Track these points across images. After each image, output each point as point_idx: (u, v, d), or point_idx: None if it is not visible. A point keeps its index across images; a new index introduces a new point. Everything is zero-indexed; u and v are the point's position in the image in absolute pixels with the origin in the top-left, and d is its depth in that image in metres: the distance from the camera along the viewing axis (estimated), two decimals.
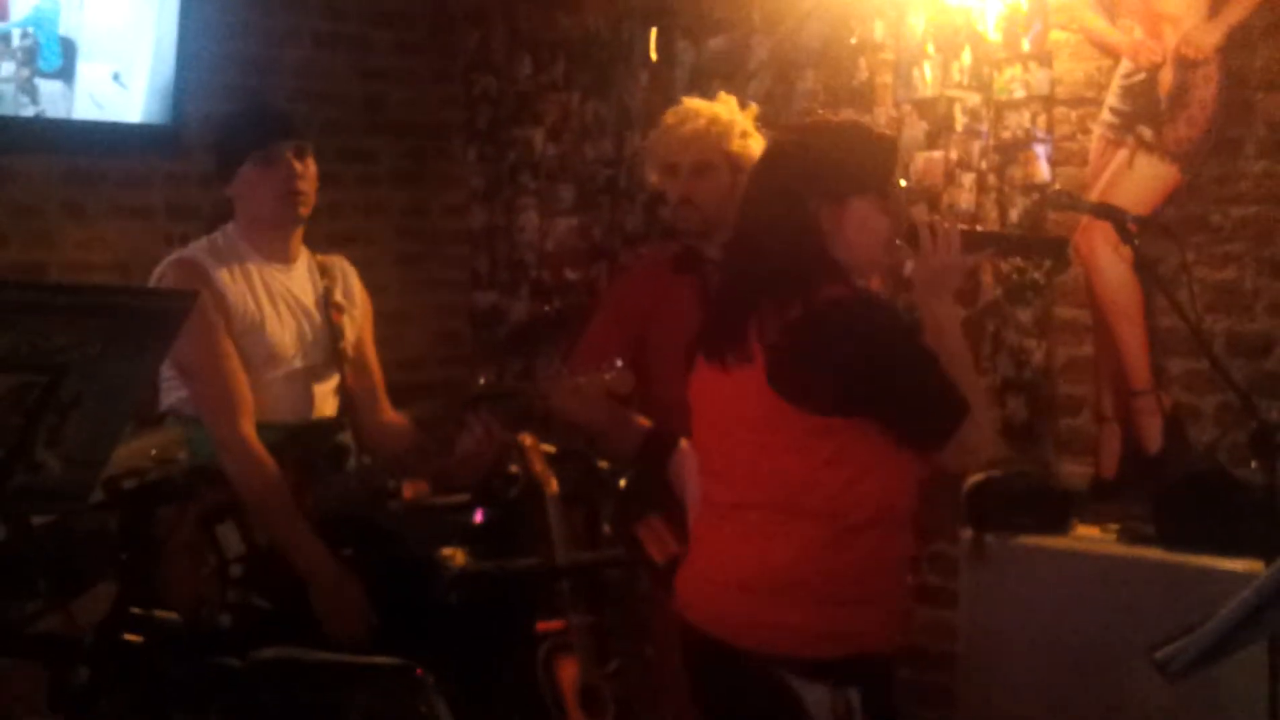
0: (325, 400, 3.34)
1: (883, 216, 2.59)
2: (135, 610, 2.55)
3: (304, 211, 3.30)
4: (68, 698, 2.71)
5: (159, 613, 2.62)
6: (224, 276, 3.23)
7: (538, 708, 3.91)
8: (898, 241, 2.64)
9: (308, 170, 3.28)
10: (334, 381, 3.36)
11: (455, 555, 4.10)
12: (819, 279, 2.54)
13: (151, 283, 3.29)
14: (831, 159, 2.60)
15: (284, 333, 3.27)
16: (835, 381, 2.51)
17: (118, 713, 2.65)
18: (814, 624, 2.54)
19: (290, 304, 3.31)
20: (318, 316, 3.34)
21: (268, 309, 3.26)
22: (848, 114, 4.68)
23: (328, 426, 3.32)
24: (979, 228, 2.69)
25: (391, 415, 3.50)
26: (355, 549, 3.34)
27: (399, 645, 3.05)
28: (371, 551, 3.40)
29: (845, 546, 2.55)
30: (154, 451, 2.89)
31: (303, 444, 3.24)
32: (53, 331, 2.01)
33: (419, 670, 2.93)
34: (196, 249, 3.31)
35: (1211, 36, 3.99)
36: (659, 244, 3.59)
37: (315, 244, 3.50)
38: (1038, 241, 2.81)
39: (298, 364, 3.29)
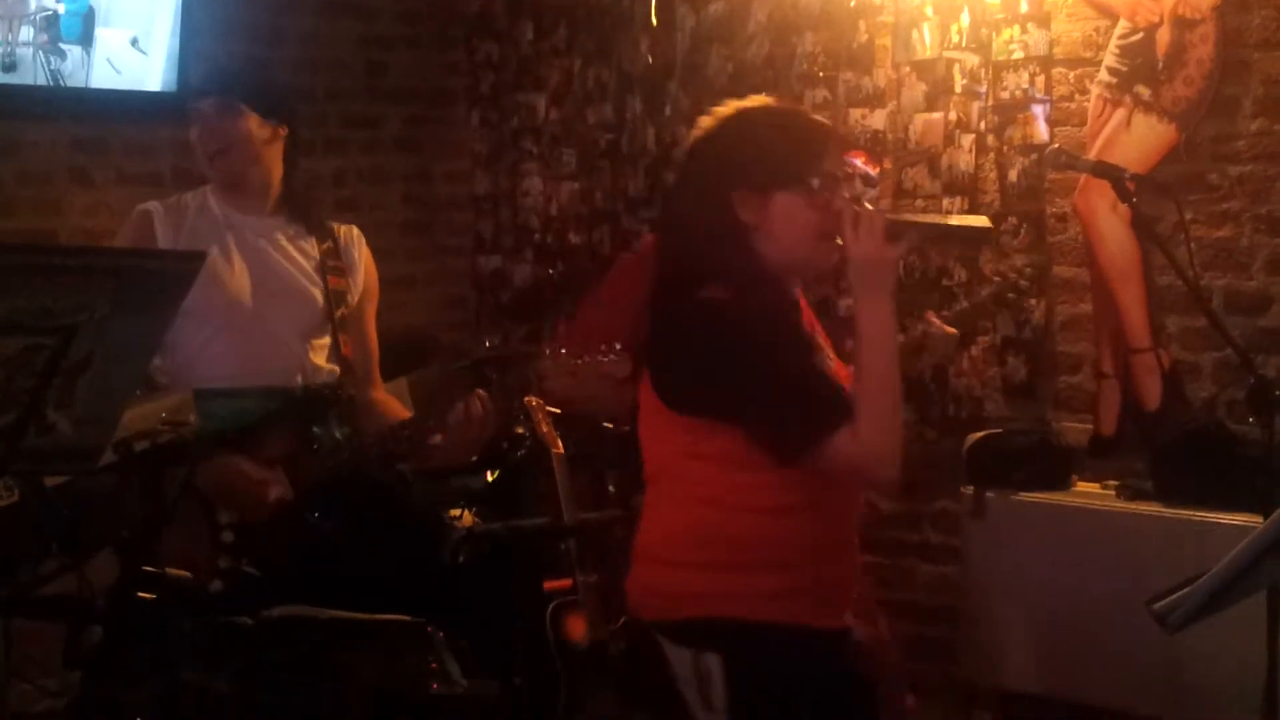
0: (316, 362, 3.29)
1: (809, 211, 2.43)
2: (147, 569, 2.59)
3: (224, 169, 3.25)
4: (82, 656, 2.76)
5: (170, 571, 2.66)
6: (168, 226, 3.24)
7: (546, 665, 3.95)
8: (837, 240, 2.45)
9: (219, 127, 3.21)
10: (325, 343, 3.30)
11: (463, 515, 4.15)
12: (711, 278, 2.45)
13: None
14: (754, 149, 2.47)
15: (241, 288, 3.22)
16: (682, 383, 2.48)
17: (130, 671, 2.69)
18: (673, 585, 2.50)
19: (258, 260, 3.26)
20: (300, 277, 3.29)
21: (219, 259, 3.21)
22: (847, 77, 4.70)
23: (324, 396, 3.27)
24: (906, 217, 2.49)
25: (382, 394, 3.45)
26: (364, 510, 3.38)
27: (409, 604, 3.08)
28: (380, 513, 3.44)
29: (713, 521, 2.49)
30: (164, 414, 2.92)
31: (299, 414, 3.22)
32: (61, 294, 2.03)
33: (429, 628, 2.97)
34: (159, 201, 3.33)
35: None
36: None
37: (321, 212, 3.50)
38: (963, 229, 2.63)
39: (267, 320, 3.23)
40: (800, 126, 2.54)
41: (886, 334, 2.40)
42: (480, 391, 3.17)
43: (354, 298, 3.36)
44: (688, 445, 2.49)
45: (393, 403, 3.48)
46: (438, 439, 3.15)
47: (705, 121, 2.57)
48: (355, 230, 3.44)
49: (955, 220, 2.89)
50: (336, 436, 3.26)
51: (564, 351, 3.01)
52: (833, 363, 2.55)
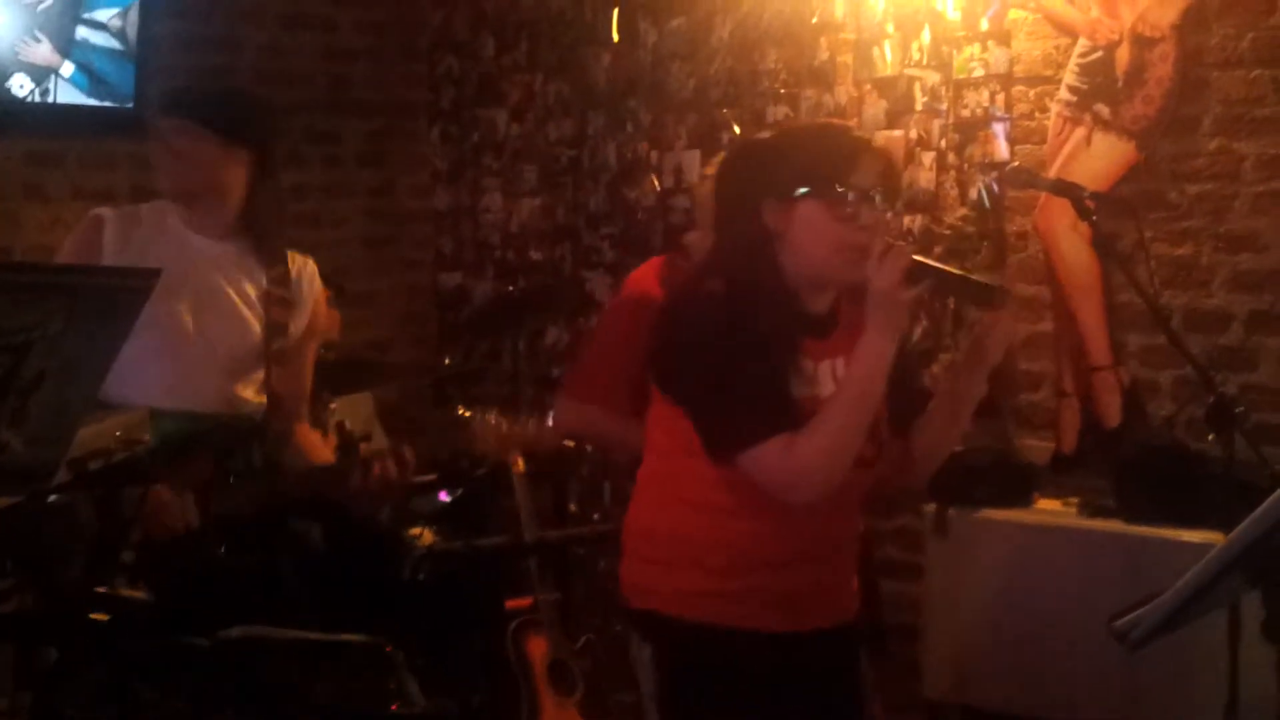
0: (243, 394, 3.20)
1: (831, 222, 2.44)
2: (100, 589, 2.56)
3: (177, 189, 3.17)
4: (36, 677, 2.72)
5: (124, 591, 2.63)
6: (117, 234, 3.16)
7: (507, 684, 3.93)
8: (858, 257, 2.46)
9: (176, 149, 3.12)
10: (257, 377, 3.21)
11: (423, 533, 4.12)
12: (718, 272, 2.53)
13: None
14: (782, 158, 2.52)
15: (178, 310, 3.14)
16: (656, 358, 2.57)
17: (85, 691, 2.65)
18: (627, 575, 2.63)
19: (203, 285, 3.17)
20: (242, 307, 3.19)
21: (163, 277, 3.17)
22: (809, 94, 4.71)
23: (248, 428, 3.20)
24: (930, 261, 2.48)
25: (306, 430, 3.36)
26: (323, 527, 3.35)
27: (368, 622, 3.06)
28: (339, 530, 3.41)
29: (662, 510, 2.58)
30: (119, 433, 2.89)
31: (217, 441, 3.13)
32: (14, 311, 2.01)
33: (388, 647, 2.94)
34: (115, 208, 3.26)
35: (1167, 14, 4.02)
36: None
37: (280, 238, 3.40)
38: (976, 286, 2.62)
39: (199, 347, 3.15)
40: (832, 138, 2.58)
41: (874, 370, 2.41)
42: (404, 450, 3.14)
43: (295, 330, 3.25)
44: (663, 422, 2.56)
45: (315, 438, 3.40)
46: (353, 488, 3.11)
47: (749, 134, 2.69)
48: (311, 264, 3.31)
49: (976, 276, 2.89)
50: (254, 468, 3.18)
51: (497, 416, 3.05)
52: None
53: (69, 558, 2.72)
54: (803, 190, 2.45)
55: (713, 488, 2.52)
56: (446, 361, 5.24)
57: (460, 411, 3.25)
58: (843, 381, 2.44)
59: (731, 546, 2.52)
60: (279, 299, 3.22)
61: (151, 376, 3.11)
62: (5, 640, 2.77)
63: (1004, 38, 4.34)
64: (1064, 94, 4.23)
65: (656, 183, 5.13)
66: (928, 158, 4.48)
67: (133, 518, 2.91)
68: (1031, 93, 4.31)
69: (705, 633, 2.53)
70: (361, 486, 3.09)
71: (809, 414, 2.44)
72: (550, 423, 3.41)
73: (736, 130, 4.86)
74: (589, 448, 4.36)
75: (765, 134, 2.69)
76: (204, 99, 3.23)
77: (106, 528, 2.66)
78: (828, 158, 2.48)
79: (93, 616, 2.49)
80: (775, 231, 2.48)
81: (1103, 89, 4.15)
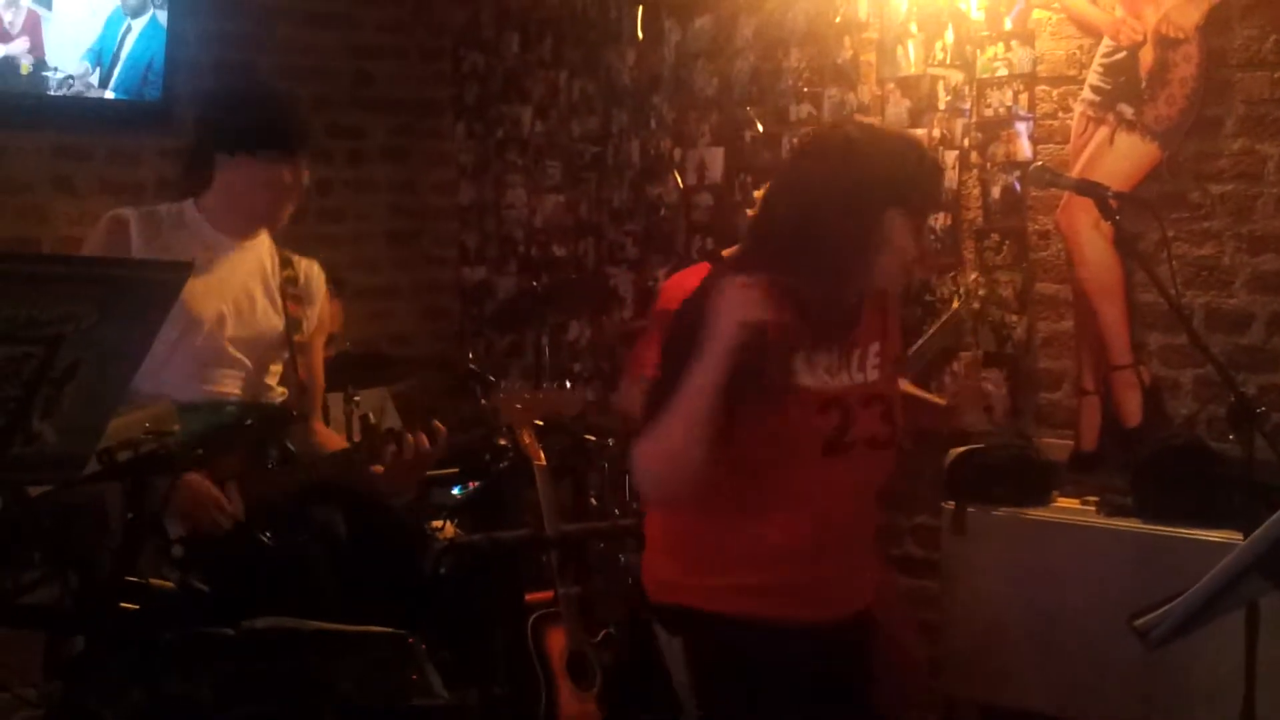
0: (269, 384, 3.32)
1: (910, 238, 2.50)
2: (130, 579, 2.58)
3: (285, 220, 3.31)
4: (63, 666, 2.75)
5: (154, 581, 2.66)
6: (144, 237, 3.23)
7: (527, 676, 3.95)
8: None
9: (299, 182, 3.26)
10: (279, 368, 3.33)
11: (444, 527, 4.15)
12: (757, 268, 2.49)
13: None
14: (884, 169, 2.50)
15: (206, 303, 3.21)
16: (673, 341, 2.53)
17: (111, 681, 2.68)
18: (657, 571, 2.68)
19: (228, 279, 3.27)
20: (264, 300, 3.31)
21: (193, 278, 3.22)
22: (832, 93, 4.72)
23: (278, 416, 3.29)
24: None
25: (323, 429, 3.45)
26: (347, 519, 3.37)
27: (390, 615, 3.08)
28: (363, 522, 3.44)
29: (682, 506, 2.59)
30: (148, 424, 2.92)
31: (253, 431, 3.21)
32: (48, 303, 2.03)
33: (410, 639, 2.97)
34: (137, 208, 3.32)
35: (1191, 15, 4.02)
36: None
37: (305, 222, 3.50)
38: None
39: (228, 338, 3.24)
40: (925, 159, 2.59)
41: (702, 378, 2.36)
42: (436, 424, 3.18)
43: (309, 327, 3.38)
44: None
45: (332, 435, 3.48)
46: (378, 469, 3.16)
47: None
48: (315, 265, 3.45)
49: None
50: (288, 454, 3.24)
51: (517, 386, 3.07)
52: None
53: (97, 548, 2.75)
54: (894, 205, 2.48)
55: (736, 483, 2.53)
56: (469, 356, 5.25)
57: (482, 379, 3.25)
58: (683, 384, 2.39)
59: (758, 541, 2.55)
60: (293, 296, 3.35)
61: (178, 371, 3.17)
62: (35, 630, 2.80)
63: (1028, 37, 4.34)
64: (1087, 94, 4.23)
65: (679, 180, 5.15)
66: (951, 157, 4.48)
67: (160, 508, 2.95)
68: (1055, 92, 4.31)
69: (732, 625, 2.57)
70: (395, 461, 3.13)
71: (816, 404, 2.49)
72: (616, 403, 3.40)
73: (760, 128, 4.88)
74: (610, 441, 4.39)
75: (853, 135, 2.58)
76: (310, 133, 3.32)
77: (135, 518, 2.68)
78: (917, 177, 2.51)
79: (122, 606, 2.52)
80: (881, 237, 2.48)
81: (1126, 89, 4.15)
